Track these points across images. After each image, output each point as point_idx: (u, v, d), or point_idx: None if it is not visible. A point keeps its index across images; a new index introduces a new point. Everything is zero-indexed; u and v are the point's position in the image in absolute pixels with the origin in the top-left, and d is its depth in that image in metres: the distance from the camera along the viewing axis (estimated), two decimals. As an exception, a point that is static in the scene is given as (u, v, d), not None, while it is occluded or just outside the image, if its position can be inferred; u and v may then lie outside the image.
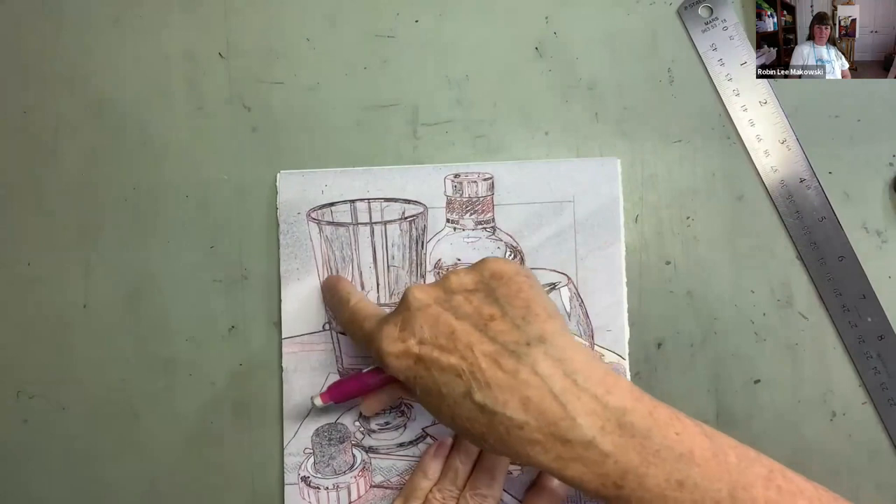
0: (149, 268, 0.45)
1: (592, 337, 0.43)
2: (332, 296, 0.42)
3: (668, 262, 0.44)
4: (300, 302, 0.44)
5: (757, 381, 0.43)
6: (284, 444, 0.44)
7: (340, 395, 0.40)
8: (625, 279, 0.43)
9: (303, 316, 0.44)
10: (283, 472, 0.44)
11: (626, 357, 0.43)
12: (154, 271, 0.45)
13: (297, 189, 0.45)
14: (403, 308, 0.35)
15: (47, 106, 0.46)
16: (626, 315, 0.43)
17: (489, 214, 0.44)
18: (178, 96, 0.46)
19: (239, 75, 0.46)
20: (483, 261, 0.35)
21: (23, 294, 0.45)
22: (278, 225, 0.45)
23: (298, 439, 0.44)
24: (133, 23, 0.46)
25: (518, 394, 0.31)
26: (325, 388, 0.40)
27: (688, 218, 0.44)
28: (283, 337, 0.44)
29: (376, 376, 0.39)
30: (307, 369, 0.44)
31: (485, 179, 0.44)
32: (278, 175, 0.45)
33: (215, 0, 0.46)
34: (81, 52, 0.46)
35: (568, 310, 0.43)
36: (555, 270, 0.43)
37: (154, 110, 0.46)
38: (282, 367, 0.44)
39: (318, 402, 0.40)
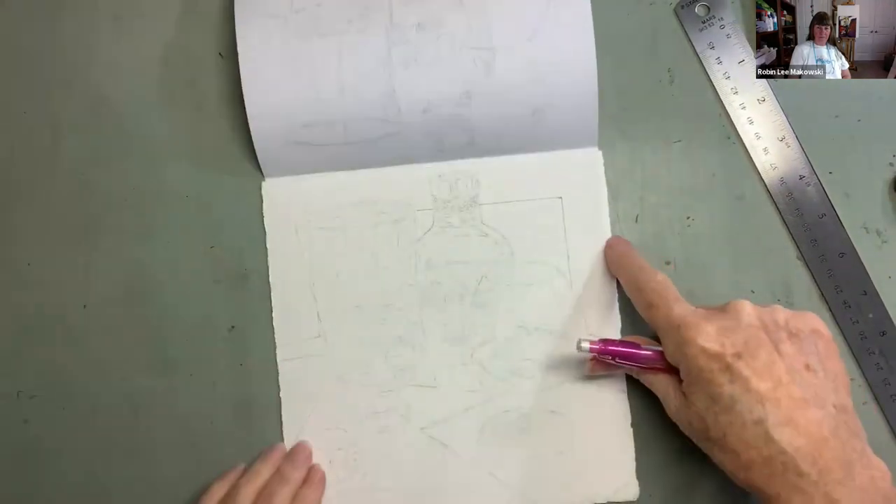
0: (149, 268, 0.45)
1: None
2: (629, 259, 0.41)
3: (668, 262, 0.44)
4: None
5: (758, 381, 0.43)
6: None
7: (608, 352, 0.39)
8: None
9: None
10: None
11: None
12: (154, 271, 0.45)
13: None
14: (730, 316, 0.36)
15: (47, 106, 0.46)
16: (617, 314, 0.43)
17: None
18: (178, 96, 0.46)
19: (239, 75, 0.46)
20: (805, 314, 0.37)
21: (23, 294, 0.45)
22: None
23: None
24: (133, 23, 0.46)
25: (815, 446, 0.33)
26: (597, 339, 0.39)
27: (688, 218, 0.44)
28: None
29: (650, 356, 0.38)
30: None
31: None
32: (263, 184, 0.45)
33: (215, 0, 0.46)
34: (81, 52, 0.46)
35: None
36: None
37: (154, 110, 0.46)
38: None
39: (586, 345, 0.38)
